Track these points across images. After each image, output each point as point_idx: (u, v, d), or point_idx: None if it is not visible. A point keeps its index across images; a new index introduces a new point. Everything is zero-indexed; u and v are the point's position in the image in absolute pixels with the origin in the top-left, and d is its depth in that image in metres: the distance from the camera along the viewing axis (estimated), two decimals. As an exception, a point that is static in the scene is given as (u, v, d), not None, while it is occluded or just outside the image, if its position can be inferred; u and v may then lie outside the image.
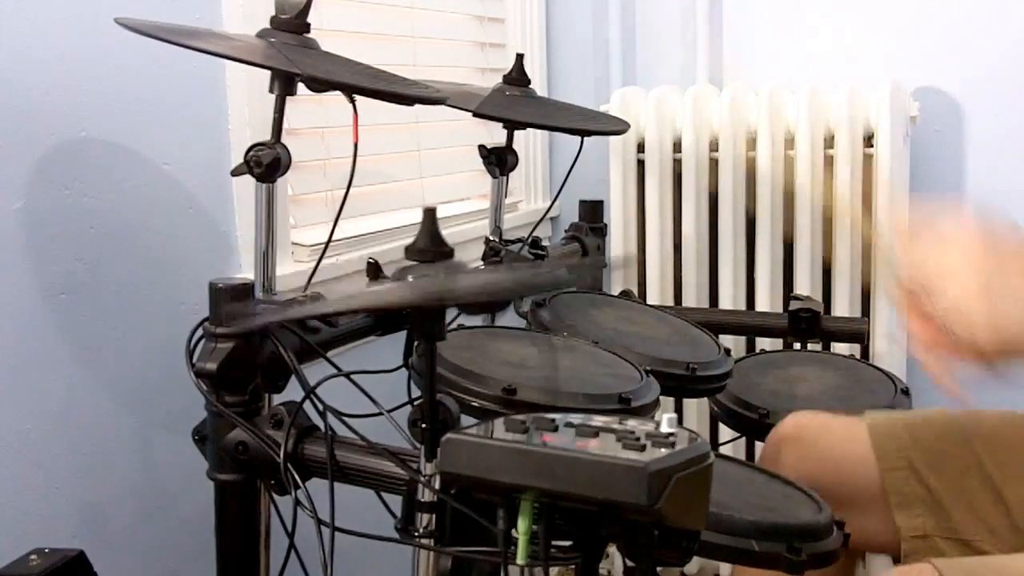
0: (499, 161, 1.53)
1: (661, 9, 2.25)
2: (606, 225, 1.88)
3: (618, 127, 1.62)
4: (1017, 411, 1.25)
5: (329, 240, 1.17)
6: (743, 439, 1.83)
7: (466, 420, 0.93)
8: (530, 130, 2.02)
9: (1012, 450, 1.21)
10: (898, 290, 0.99)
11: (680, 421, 0.72)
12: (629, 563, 0.73)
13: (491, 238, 1.51)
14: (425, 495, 0.90)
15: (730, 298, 2.01)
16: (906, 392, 1.48)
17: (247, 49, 1.05)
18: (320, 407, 0.99)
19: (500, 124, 1.53)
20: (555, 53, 2.18)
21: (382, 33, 1.72)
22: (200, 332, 1.02)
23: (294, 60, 1.04)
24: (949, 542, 1.18)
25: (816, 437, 1.26)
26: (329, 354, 1.09)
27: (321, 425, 0.99)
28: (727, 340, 1.59)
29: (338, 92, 1.07)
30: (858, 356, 1.85)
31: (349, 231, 1.55)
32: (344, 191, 1.13)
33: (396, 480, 0.96)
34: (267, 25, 1.10)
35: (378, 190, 1.70)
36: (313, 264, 1.24)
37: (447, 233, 0.88)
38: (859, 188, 1.93)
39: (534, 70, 2.05)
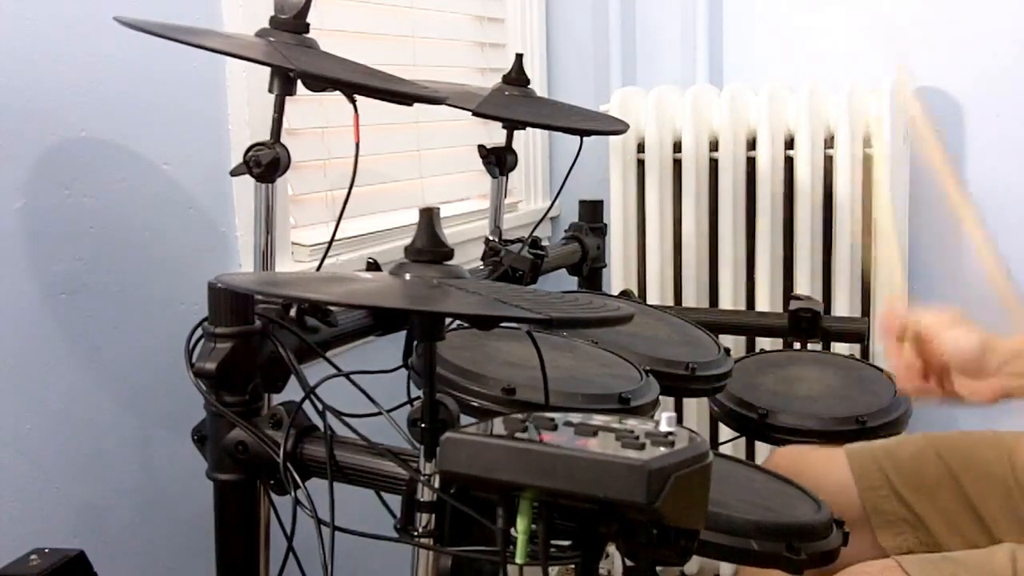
0: (499, 161, 1.53)
1: (661, 9, 2.26)
2: (606, 225, 1.88)
3: (617, 127, 1.62)
4: (991, 430, 1.27)
5: (332, 240, 1.17)
6: (743, 439, 1.83)
7: (466, 420, 0.92)
8: (530, 130, 2.02)
9: (987, 468, 1.22)
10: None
11: (680, 421, 0.72)
12: (628, 562, 0.73)
13: (491, 238, 1.51)
14: (424, 495, 0.90)
15: (730, 298, 2.01)
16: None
17: (245, 46, 1.05)
18: (319, 407, 0.99)
19: (500, 124, 1.53)
20: (555, 53, 2.18)
21: (382, 33, 1.71)
22: (199, 332, 1.03)
23: (292, 58, 1.04)
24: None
25: (799, 469, 1.28)
26: (328, 354, 1.09)
27: (320, 425, 0.99)
28: (727, 340, 1.58)
29: (338, 92, 1.07)
30: (858, 356, 1.85)
31: (349, 231, 1.55)
32: (346, 191, 1.12)
33: (396, 480, 0.96)
34: (266, 26, 1.10)
35: (378, 190, 1.70)
36: (313, 264, 1.24)
37: (447, 233, 0.88)
38: (859, 188, 1.92)
39: (534, 70, 2.05)
